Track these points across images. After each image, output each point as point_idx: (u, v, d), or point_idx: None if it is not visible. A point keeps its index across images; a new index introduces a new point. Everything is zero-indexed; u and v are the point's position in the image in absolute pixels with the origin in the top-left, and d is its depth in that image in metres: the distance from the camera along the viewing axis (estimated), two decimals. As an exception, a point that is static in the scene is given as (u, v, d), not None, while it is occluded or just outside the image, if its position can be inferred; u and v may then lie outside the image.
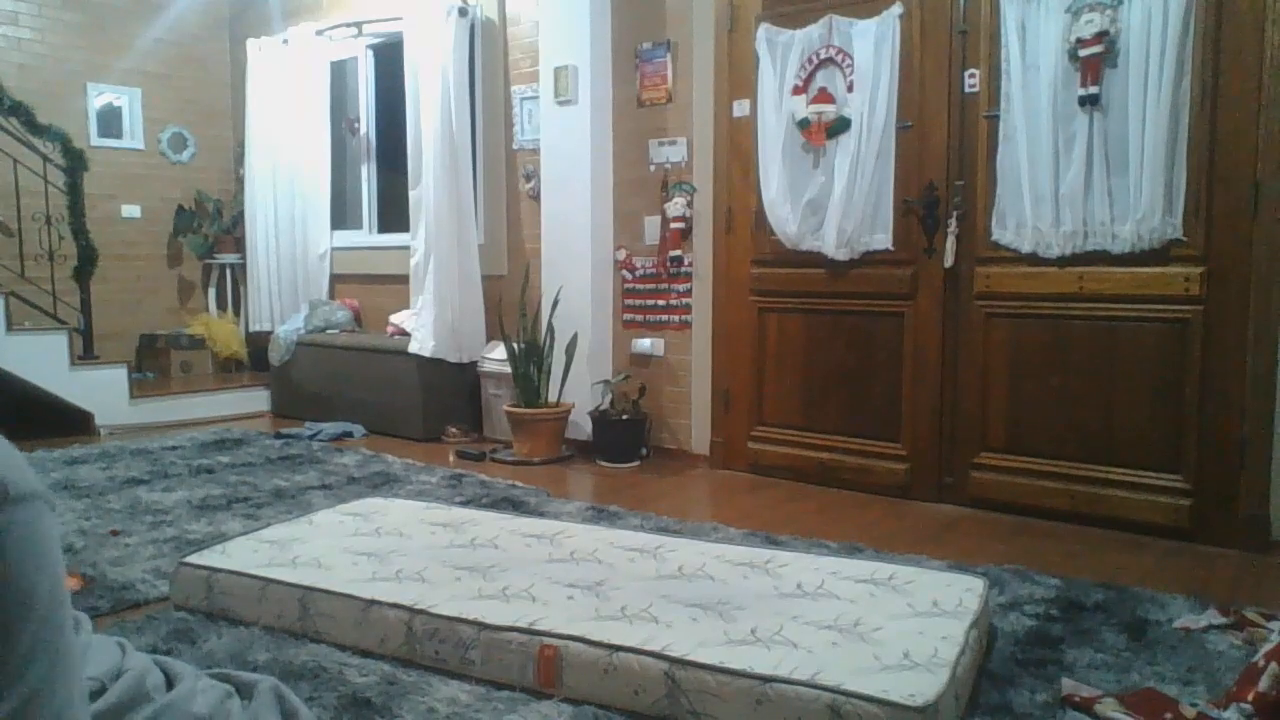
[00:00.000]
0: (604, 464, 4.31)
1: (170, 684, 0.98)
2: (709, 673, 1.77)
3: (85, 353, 5.15)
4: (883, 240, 3.69)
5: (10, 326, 4.79)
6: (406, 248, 5.20)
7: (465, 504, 3.37)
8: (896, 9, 3.59)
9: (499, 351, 4.72)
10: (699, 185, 4.26)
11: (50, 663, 0.66)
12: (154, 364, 6.14)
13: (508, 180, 5.07)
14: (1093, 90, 3.14)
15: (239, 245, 6.39)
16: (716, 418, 4.26)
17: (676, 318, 4.40)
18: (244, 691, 1.02)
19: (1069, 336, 3.30)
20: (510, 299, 4.72)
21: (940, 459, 3.61)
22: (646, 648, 1.85)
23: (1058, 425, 3.34)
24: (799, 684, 1.69)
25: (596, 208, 4.49)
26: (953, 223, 3.50)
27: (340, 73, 5.94)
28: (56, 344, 4.95)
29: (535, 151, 4.79)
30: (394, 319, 5.34)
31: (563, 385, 4.41)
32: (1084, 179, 3.18)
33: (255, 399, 5.81)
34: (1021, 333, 3.40)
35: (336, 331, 5.54)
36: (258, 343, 6.09)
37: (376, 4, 5.52)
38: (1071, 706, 1.84)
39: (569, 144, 4.51)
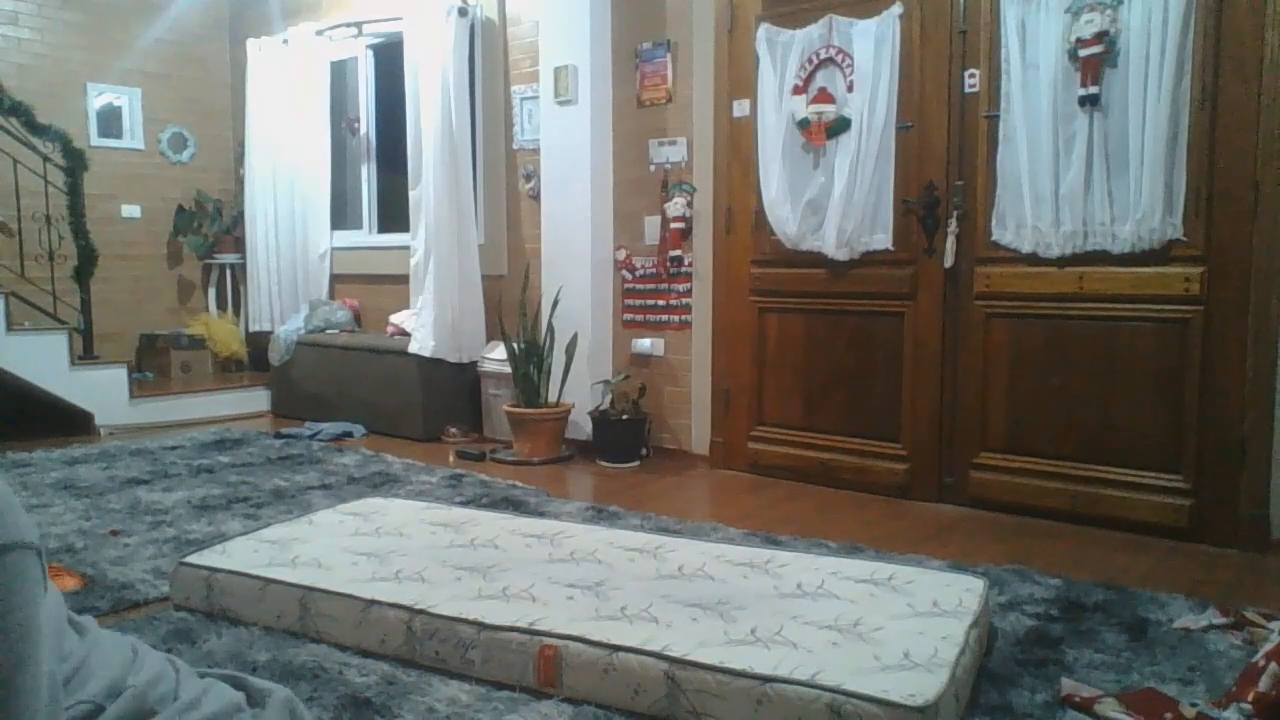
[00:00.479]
0: (604, 464, 4.31)
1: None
2: (709, 673, 1.77)
3: (85, 353, 5.15)
4: (883, 240, 3.69)
5: (10, 326, 4.79)
6: (406, 248, 5.20)
7: (465, 504, 3.37)
8: (896, 9, 3.59)
9: (499, 351, 4.72)
10: (699, 185, 4.26)
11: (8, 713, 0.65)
12: (154, 364, 6.14)
13: (508, 180, 5.06)
14: (1093, 90, 3.13)
15: (239, 245, 6.39)
16: (716, 418, 4.26)
17: (676, 318, 4.40)
18: (255, 699, 0.99)
19: (1069, 336, 3.30)
20: (510, 299, 4.72)
21: (940, 459, 3.61)
22: (646, 648, 1.85)
23: (1058, 425, 3.34)
24: (799, 684, 1.69)
25: (596, 208, 4.49)
26: (953, 223, 3.50)
27: (340, 73, 5.94)
28: (56, 344, 4.95)
29: (535, 151, 4.79)
30: (394, 319, 5.34)
31: (563, 385, 4.41)
32: (1084, 179, 3.18)
33: (255, 399, 5.81)
34: (1021, 333, 3.40)
35: (336, 331, 5.54)
36: (258, 343, 6.09)
37: (376, 4, 5.52)
38: (1071, 706, 1.84)
39: (569, 144, 4.51)
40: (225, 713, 0.93)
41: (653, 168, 4.42)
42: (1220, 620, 2.28)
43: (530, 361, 4.40)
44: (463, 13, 4.94)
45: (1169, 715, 1.77)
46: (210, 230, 6.44)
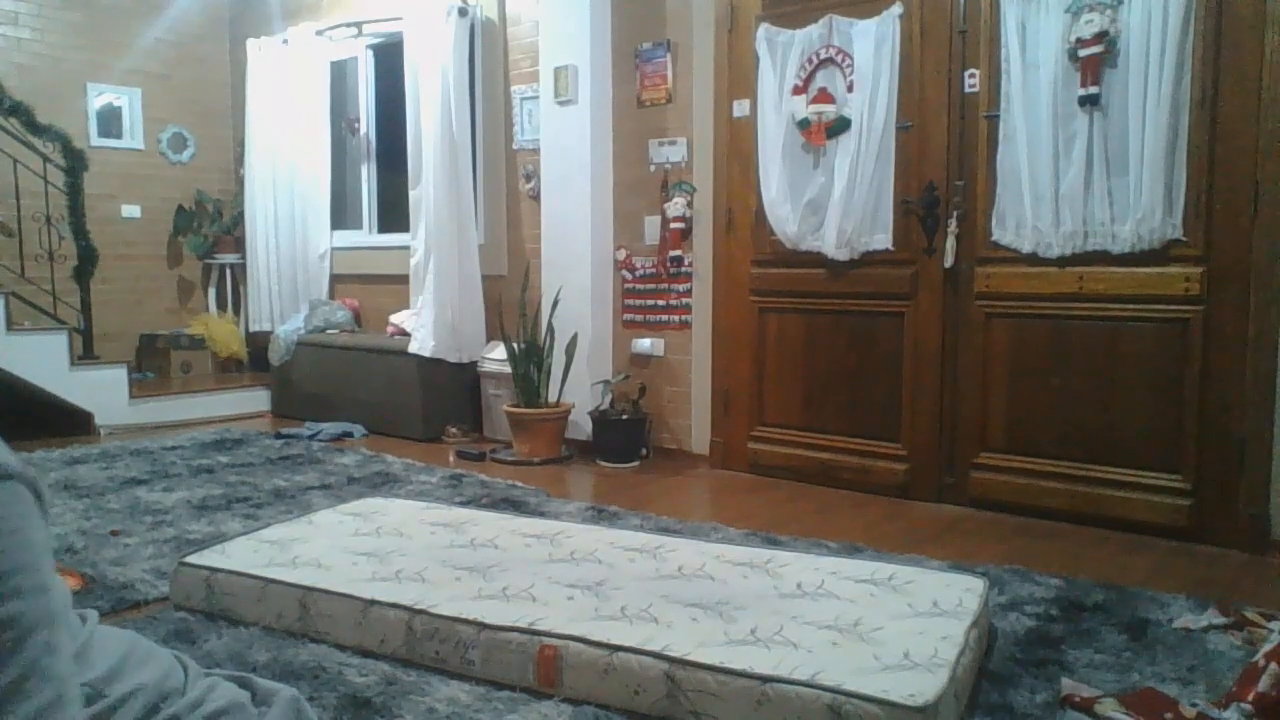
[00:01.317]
0: (604, 464, 4.31)
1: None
2: (709, 673, 1.77)
3: (85, 353, 5.14)
4: (883, 240, 3.69)
5: (10, 326, 4.79)
6: (406, 248, 5.20)
7: (465, 504, 3.37)
8: (896, 9, 3.59)
9: (499, 351, 4.72)
10: (699, 185, 4.26)
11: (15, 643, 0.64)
12: (154, 364, 6.14)
13: (508, 180, 5.06)
14: (1093, 90, 3.13)
15: (239, 245, 6.39)
16: (716, 418, 4.26)
17: (676, 318, 4.40)
18: (261, 698, 0.99)
19: (1069, 336, 3.30)
20: (510, 299, 4.72)
21: (940, 459, 3.61)
22: (646, 648, 1.85)
23: (1058, 425, 3.34)
24: (799, 684, 1.69)
25: (596, 208, 4.49)
26: (953, 223, 3.50)
27: (340, 73, 5.94)
28: (56, 344, 4.95)
29: (535, 151, 4.79)
30: (394, 319, 5.34)
31: (563, 385, 4.41)
32: (1084, 179, 3.18)
33: (255, 399, 5.80)
34: (1022, 333, 3.40)
35: (336, 331, 5.54)
36: (258, 343, 6.09)
37: (376, 4, 5.52)
38: (1071, 706, 1.84)
39: (569, 144, 4.51)
40: (232, 709, 0.94)
41: (653, 168, 4.42)
42: (1220, 620, 2.28)
43: (530, 361, 4.40)
44: (463, 13, 4.94)
45: (1169, 715, 1.77)
46: (210, 230, 6.44)
